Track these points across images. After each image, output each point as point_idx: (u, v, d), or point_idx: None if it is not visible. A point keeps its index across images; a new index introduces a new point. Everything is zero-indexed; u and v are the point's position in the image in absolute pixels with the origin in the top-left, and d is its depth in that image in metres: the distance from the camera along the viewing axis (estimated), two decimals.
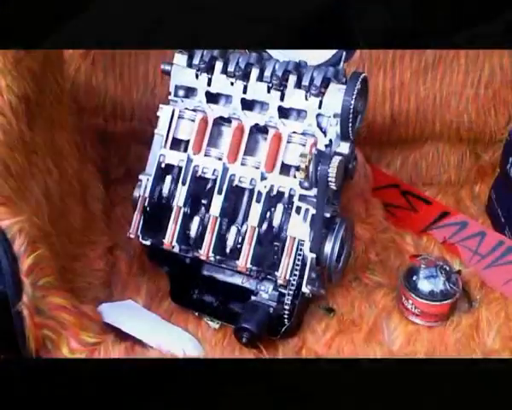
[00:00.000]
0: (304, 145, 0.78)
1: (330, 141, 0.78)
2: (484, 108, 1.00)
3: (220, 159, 0.81)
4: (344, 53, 0.82)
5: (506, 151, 0.93)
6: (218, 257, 0.80)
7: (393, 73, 0.98)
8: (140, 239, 0.82)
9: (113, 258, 0.87)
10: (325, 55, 0.95)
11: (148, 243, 0.82)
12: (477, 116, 1.00)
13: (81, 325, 0.69)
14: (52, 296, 0.67)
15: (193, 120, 0.82)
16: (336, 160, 0.75)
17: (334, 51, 0.95)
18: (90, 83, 0.95)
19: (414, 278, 0.81)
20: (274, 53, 0.91)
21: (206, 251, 0.79)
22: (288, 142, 0.79)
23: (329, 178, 0.74)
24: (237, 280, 0.83)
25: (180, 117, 0.83)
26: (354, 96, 0.77)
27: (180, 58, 0.84)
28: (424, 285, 0.80)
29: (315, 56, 0.95)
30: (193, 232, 0.81)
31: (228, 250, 0.80)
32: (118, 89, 0.96)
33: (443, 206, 0.97)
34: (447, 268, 0.82)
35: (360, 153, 0.91)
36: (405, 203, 0.97)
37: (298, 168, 0.75)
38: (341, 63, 0.81)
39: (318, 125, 0.79)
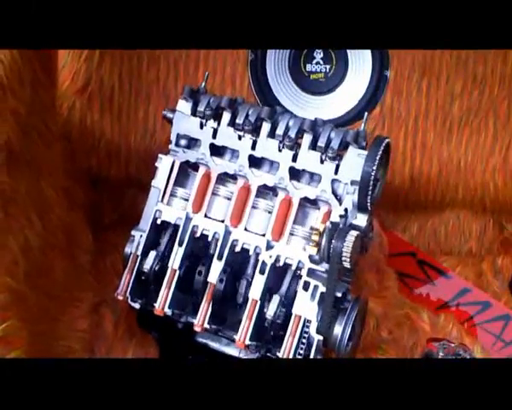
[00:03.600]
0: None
1: (346, 211, 0.71)
2: None
3: (222, 221, 0.74)
4: (366, 115, 0.74)
5: None
6: (214, 327, 0.72)
7: (415, 133, 0.91)
8: (129, 301, 0.74)
9: (98, 317, 0.79)
10: (338, 111, 0.90)
11: (137, 305, 0.74)
12: (504, 185, 0.92)
13: None
14: None
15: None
16: (352, 235, 0.67)
17: (348, 108, 0.89)
18: (84, 122, 0.87)
19: None
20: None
21: (201, 321, 0.71)
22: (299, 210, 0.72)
23: (343, 256, 0.66)
24: (234, 352, 0.75)
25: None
26: (376, 165, 0.69)
27: (184, 105, 0.76)
28: None
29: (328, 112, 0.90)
30: (187, 298, 0.73)
31: (227, 321, 0.72)
32: (114, 131, 0.88)
33: (464, 282, 0.89)
34: (468, 358, 0.74)
35: (375, 219, 0.83)
36: (422, 275, 0.90)
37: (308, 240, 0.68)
38: (363, 125, 0.73)
39: (333, 192, 0.72)
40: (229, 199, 0.74)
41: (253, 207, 0.74)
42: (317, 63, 0.90)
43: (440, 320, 0.84)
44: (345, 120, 0.88)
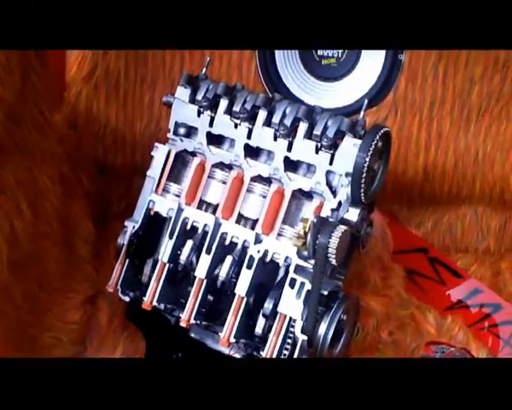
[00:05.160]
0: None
1: (339, 204, 0.67)
2: None
3: (217, 205, 0.72)
4: (366, 101, 0.70)
5: None
6: (203, 323, 0.71)
7: (430, 121, 0.86)
8: (119, 294, 0.73)
9: (93, 308, 0.79)
10: (350, 97, 0.86)
11: (127, 298, 0.73)
12: None
13: None
14: None
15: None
16: (339, 230, 0.63)
17: (360, 95, 0.85)
18: (90, 110, 0.86)
19: None
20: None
21: (187, 316, 0.69)
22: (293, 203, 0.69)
23: (329, 252, 0.63)
24: (225, 349, 0.73)
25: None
26: (370, 154, 0.66)
27: (183, 92, 0.74)
28: None
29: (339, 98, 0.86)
30: (178, 292, 0.72)
31: (215, 317, 0.70)
32: (120, 118, 0.87)
33: (476, 282, 0.84)
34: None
35: (379, 214, 0.79)
36: (432, 273, 0.85)
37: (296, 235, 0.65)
38: (361, 113, 0.69)
39: (328, 184, 0.68)
40: (224, 183, 0.72)
41: (249, 191, 0.71)
42: None
43: (447, 322, 0.79)
44: (356, 108, 0.84)
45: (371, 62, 0.86)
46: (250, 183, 0.71)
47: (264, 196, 0.70)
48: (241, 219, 0.71)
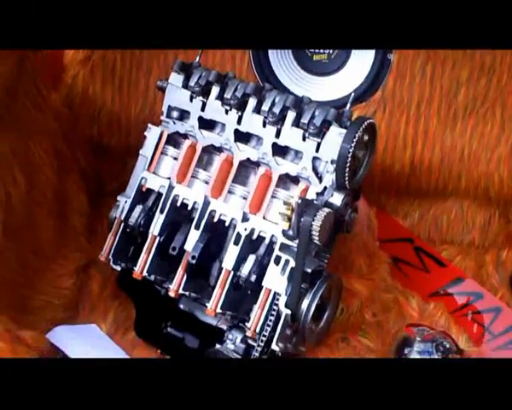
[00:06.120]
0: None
1: (325, 189, 0.70)
2: None
3: (206, 182, 0.74)
4: (352, 94, 0.73)
5: None
6: (192, 294, 0.73)
7: (418, 118, 0.88)
8: (111, 263, 0.76)
9: (85, 276, 0.81)
10: (339, 93, 0.88)
11: (118, 268, 0.76)
12: (509, 177, 0.88)
13: (13, 352, 0.61)
14: None
15: (176, 158, 0.76)
16: (323, 212, 0.66)
17: (349, 90, 0.87)
18: (86, 92, 0.88)
19: (406, 350, 0.71)
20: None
21: (175, 287, 0.72)
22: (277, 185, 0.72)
23: (313, 232, 0.65)
24: (212, 320, 0.74)
25: (163, 153, 0.77)
26: (354, 143, 0.68)
27: (176, 77, 0.77)
28: None
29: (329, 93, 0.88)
30: (167, 265, 0.74)
31: (202, 289, 0.73)
32: (115, 102, 0.89)
33: (458, 271, 0.86)
34: (447, 346, 0.71)
35: (365, 202, 0.81)
36: (417, 261, 0.87)
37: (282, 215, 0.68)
38: (348, 105, 0.71)
39: (314, 170, 0.71)
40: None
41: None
42: None
43: (430, 308, 0.81)
44: (344, 102, 0.86)
45: (361, 60, 0.88)
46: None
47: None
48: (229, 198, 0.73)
